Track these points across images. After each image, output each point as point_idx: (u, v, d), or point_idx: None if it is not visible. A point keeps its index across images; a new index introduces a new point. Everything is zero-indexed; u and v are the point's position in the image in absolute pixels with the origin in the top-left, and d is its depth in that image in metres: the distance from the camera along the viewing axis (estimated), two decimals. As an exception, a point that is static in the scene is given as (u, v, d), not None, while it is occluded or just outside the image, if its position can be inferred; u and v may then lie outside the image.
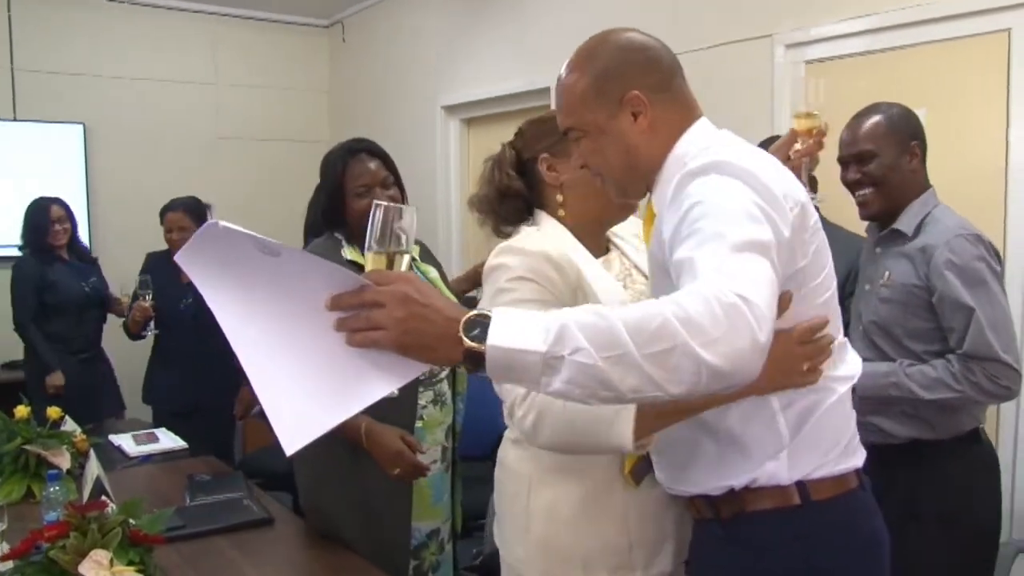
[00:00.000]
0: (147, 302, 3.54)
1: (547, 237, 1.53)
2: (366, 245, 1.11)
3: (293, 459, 2.13)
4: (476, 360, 0.98)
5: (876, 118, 2.07)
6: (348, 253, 2.10)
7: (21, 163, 5.05)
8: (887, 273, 2.04)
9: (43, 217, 3.99)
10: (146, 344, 3.85)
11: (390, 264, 1.11)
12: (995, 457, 2.09)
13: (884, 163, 2.04)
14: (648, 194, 1.35)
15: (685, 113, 1.31)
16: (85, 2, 5.25)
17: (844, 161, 2.12)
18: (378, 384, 1.03)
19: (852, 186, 2.11)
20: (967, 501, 1.99)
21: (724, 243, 1.04)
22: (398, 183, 2.17)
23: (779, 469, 1.25)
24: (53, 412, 2.59)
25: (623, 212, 1.59)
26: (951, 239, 1.94)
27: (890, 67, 2.89)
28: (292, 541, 2.13)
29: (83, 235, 5.21)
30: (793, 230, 1.16)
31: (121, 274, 4.21)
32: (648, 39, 1.32)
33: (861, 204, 2.11)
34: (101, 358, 4.18)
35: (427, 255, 2.32)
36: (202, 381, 3.66)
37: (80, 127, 5.21)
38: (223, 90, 5.74)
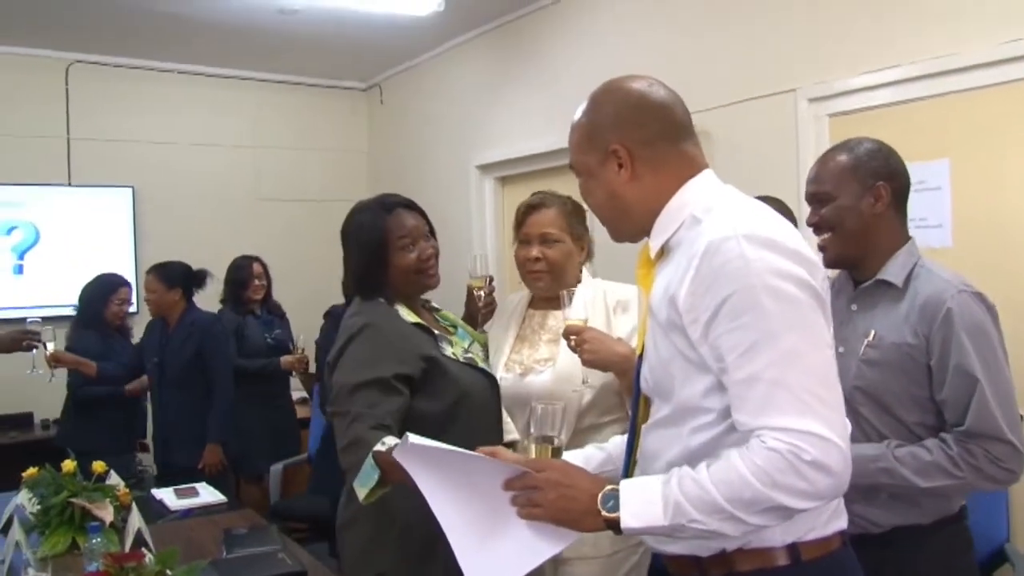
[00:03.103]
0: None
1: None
2: (531, 437, 1.46)
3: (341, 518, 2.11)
4: (615, 526, 1.22)
5: (839, 157, 1.85)
6: (408, 316, 1.98)
7: (75, 226, 5.28)
8: (872, 332, 1.77)
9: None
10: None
11: (548, 453, 1.44)
12: (971, 537, 1.84)
13: (841, 205, 1.81)
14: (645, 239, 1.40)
15: (681, 168, 1.34)
16: (136, 73, 5.52)
17: (808, 202, 1.92)
18: (543, 546, 1.30)
19: (814, 230, 1.89)
20: None
21: (774, 350, 1.15)
22: (433, 234, 2.09)
23: (774, 531, 1.25)
24: (98, 466, 2.66)
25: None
26: (956, 295, 1.70)
27: (914, 118, 2.90)
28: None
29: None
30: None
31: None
32: (653, 91, 1.35)
33: (820, 249, 1.85)
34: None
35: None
36: (171, 440, 3.85)
37: (129, 191, 5.43)
38: (264, 153, 5.95)
